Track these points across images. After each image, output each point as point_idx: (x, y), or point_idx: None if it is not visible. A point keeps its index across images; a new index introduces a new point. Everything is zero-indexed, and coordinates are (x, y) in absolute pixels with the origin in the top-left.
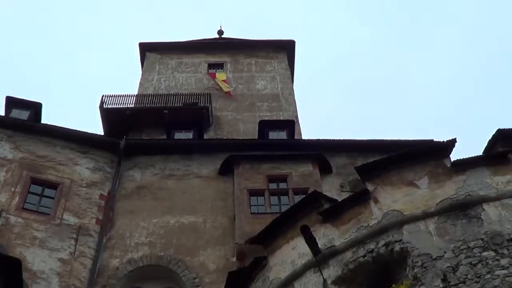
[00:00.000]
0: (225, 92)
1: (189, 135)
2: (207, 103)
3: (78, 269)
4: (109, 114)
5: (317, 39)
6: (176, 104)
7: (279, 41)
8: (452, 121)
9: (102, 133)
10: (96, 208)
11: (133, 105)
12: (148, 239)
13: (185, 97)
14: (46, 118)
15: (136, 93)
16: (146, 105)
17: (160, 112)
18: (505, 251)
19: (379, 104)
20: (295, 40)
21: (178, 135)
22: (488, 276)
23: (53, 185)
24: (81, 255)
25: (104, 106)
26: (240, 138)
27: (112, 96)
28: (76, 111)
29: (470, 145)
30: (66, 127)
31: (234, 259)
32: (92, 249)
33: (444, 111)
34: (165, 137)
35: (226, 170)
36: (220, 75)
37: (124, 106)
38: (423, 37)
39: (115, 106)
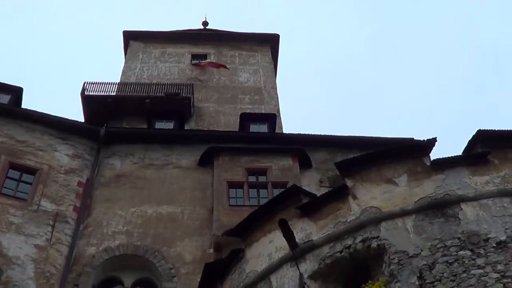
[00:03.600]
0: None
1: (170, 125)
2: (189, 94)
3: (54, 256)
4: (90, 101)
5: (303, 34)
6: (158, 94)
7: (263, 34)
8: (433, 121)
9: (83, 120)
10: (74, 195)
11: (115, 93)
12: (125, 228)
13: (167, 87)
14: (27, 103)
15: (118, 81)
16: (128, 93)
17: (142, 101)
18: (482, 251)
19: (361, 101)
20: (279, 34)
21: (159, 125)
22: (464, 275)
23: (31, 171)
24: (58, 242)
25: (86, 93)
26: (221, 130)
27: (93, 83)
28: (58, 97)
29: (450, 145)
30: (47, 112)
31: (211, 250)
32: (68, 236)
33: (426, 111)
34: (145, 126)
35: (206, 162)
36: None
37: (105, 93)
38: (408, 36)
39: (96, 93)
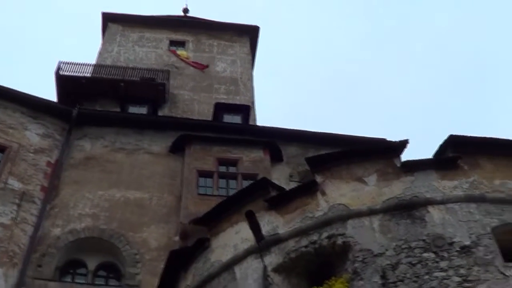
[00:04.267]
0: (192, 64)
1: (143, 110)
2: (165, 80)
3: (18, 235)
4: (64, 81)
5: (283, 27)
6: (133, 78)
7: (243, 25)
8: (406, 124)
9: (56, 100)
10: (42, 175)
11: (90, 75)
12: (92, 211)
13: (143, 72)
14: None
15: (94, 62)
16: (103, 75)
17: (116, 84)
18: (445, 254)
19: (337, 98)
20: (259, 26)
21: (132, 109)
22: (427, 277)
23: (1, 148)
24: (23, 221)
25: (60, 73)
26: (195, 118)
27: (69, 64)
28: (31, 75)
29: (422, 148)
30: (20, 90)
31: (177, 238)
32: (34, 216)
33: (400, 113)
34: (119, 109)
35: (177, 149)
36: (181, 54)
37: (80, 74)
38: (389, 38)
39: (71, 73)
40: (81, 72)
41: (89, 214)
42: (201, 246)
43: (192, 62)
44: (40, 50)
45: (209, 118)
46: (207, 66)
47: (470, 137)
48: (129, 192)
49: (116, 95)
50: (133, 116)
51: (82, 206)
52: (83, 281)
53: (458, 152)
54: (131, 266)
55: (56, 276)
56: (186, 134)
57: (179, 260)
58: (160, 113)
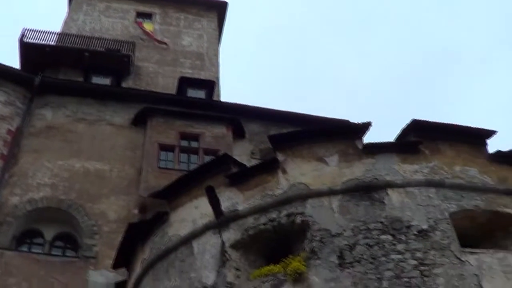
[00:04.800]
0: (154, 39)
1: (107, 81)
2: (130, 52)
3: None
4: (28, 49)
5: (251, 5)
6: (98, 48)
7: (211, 0)
8: (370, 107)
9: (19, 67)
10: (2, 143)
11: (54, 43)
12: (51, 180)
13: (108, 42)
14: None
15: (59, 31)
16: (68, 45)
17: (81, 54)
18: (403, 237)
19: (303, 78)
20: (228, 2)
21: (96, 80)
22: (383, 259)
23: None
24: None
25: (24, 40)
26: (159, 91)
27: (33, 31)
28: None
29: (385, 132)
30: None
31: (136, 211)
32: None
33: (364, 96)
34: (82, 79)
35: (139, 121)
36: (148, 26)
37: (45, 42)
38: (355, 21)
39: (36, 41)
40: (45, 40)
41: (48, 184)
42: (160, 219)
43: (154, 37)
44: (4, 16)
45: (173, 92)
46: (165, 44)
47: (433, 122)
48: (89, 163)
49: (80, 64)
50: (96, 87)
51: (41, 175)
52: (40, 251)
53: (420, 136)
54: (89, 237)
55: (12, 245)
56: (149, 107)
57: (137, 233)
58: (123, 85)
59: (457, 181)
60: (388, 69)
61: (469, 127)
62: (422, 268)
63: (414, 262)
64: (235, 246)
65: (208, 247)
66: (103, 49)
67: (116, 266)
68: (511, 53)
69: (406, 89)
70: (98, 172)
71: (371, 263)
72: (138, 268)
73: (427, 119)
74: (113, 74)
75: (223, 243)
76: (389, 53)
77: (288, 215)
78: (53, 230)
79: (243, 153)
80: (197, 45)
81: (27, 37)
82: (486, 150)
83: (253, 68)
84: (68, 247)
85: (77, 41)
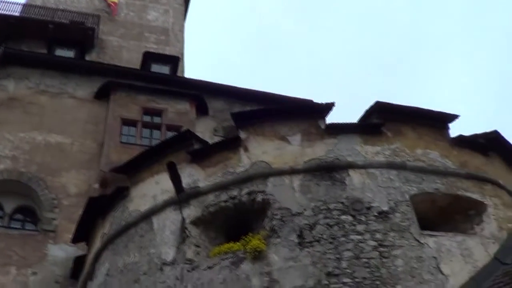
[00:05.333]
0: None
1: (70, 53)
2: (95, 25)
3: None
4: None
5: None
6: (63, 20)
7: None
8: (334, 88)
9: None
10: None
11: (18, 14)
12: (11, 153)
13: (73, 15)
14: None
15: (24, 1)
16: (32, 16)
17: (45, 26)
18: (363, 218)
19: (269, 56)
20: None
21: (60, 52)
22: (343, 239)
23: None
24: None
25: None
26: (123, 65)
27: None
28: None
29: (348, 113)
30: None
31: (97, 185)
32: None
33: (329, 77)
34: (45, 51)
35: (102, 95)
36: None
37: (9, 13)
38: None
39: None
40: (9, 11)
41: (8, 156)
42: (120, 194)
43: (114, 9)
44: None
45: (138, 66)
46: (114, 14)
47: (396, 105)
48: (51, 136)
49: (44, 36)
50: (59, 59)
51: (1, 147)
52: None
53: (383, 118)
54: (48, 211)
55: None
56: (112, 81)
57: (97, 208)
58: (87, 58)
59: (418, 164)
60: (354, 52)
61: (431, 110)
62: (381, 249)
63: (374, 243)
64: (195, 222)
65: (168, 223)
66: (68, 22)
67: (75, 240)
68: (474, 38)
69: (371, 72)
70: (59, 146)
71: (330, 243)
72: (97, 243)
73: (390, 102)
74: (77, 47)
75: (183, 219)
76: (354, 37)
77: (249, 193)
78: (13, 203)
79: (206, 130)
80: (163, 20)
81: None
82: (448, 134)
83: (218, 45)
84: (28, 220)
85: (42, 12)
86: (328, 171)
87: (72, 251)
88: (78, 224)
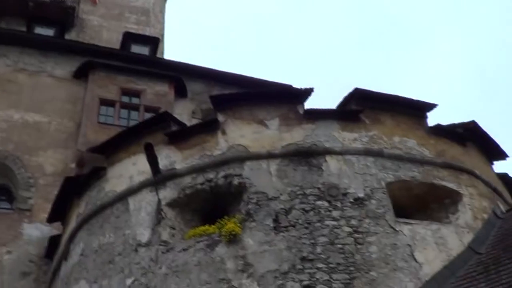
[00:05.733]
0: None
1: (50, 32)
2: (75, 4)
3: None
4: None
5: None
6: None
7: None
8: (314, 74)
9: None
10: None
11: None
12: None
13: None
14: None
15: None
16: None
17: (25, 3)
18: (338, 204)
19: (249, 40)
20: None
21: (39, 30)
22: (318, 224)
23: None
24: None
25: None
26: (102, 45)
27: None
28: None
29: (328, 99)
30: None
31: (74, 165)
32: None
33: (308, 62)
34: (25, 29)
35: (81, 75)
36: None
37: None
38: None
39: None
40: None
41: None
42: (97, 174)
43: None
44: None
45: (117, 47)
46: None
47: (375, 92)
48: (28, 114)
49: (23, 14)
50: (39, 37)
51: None
52: None
53: (361, 105)
54: (25, 189)
55: None
56: (91, 61)
57: (73, 187)
58: (67, 37)
59: (395, 152)
60: (334, 39)
61: (410, 99)
62: (356, 235)
63: (349, 229)
64: (171, 204)
65: (144, 205)
66: (48, 0)
67: (51, 219)
68: (456, 28)
69: (351, 59)
70: (36, 124)
71: (305, 228)
72: (73, 223)
73: (369, 89)
74: (56, 25)
75: (159, 201)
76: (335, 23)
77: (226, 176)
78: None
79: (184, 112)
80: (143, 0)
81: None
82: (426, 123)
83: (199, 27)
84: (3, 199)
85: None
86: (305, 156)
87: (47, 230)
88: (53, 204)
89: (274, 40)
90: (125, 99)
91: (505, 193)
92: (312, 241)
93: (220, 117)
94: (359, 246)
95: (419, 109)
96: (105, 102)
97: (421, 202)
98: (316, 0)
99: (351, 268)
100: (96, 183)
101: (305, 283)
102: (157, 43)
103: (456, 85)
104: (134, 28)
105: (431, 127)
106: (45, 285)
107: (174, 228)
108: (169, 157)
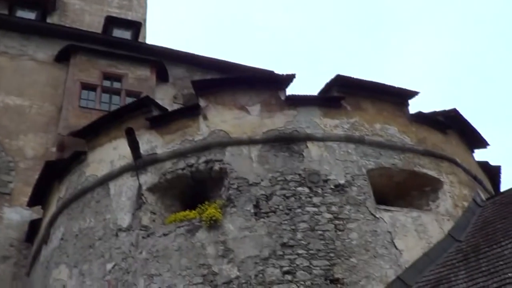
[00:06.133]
0: None
1: (32, 15)
2: None
3: None
4: None
5: None
6: None
7: None
8: (296, 60)
9: None
10: None
11: None
12: None
13: None
14: None
15: None
16: None
17: None
18: (319, 191)
19: (229, 26)
20: None
21: (21, 14)
22: (299, 210)
23: None
24: None
25: None
26: (84, 29)
27: None
28: None
29: (310, 86)
30: None
31: (54, 149)
32: None
33: (291, 49)
34: (6, 12)
35: (62, 59)
36: None
37: None
38: None
39: None
40: None
41: None
42: (77, 159)
43: None
44: None
45: (99, 31)
46: None
47: (357, 79)
48: (9, 98)
49: None
50: (20, 20)
51: None
52: None
53: (343, 92)
54: (5, 173)
55: None
56: (73, 44)
57: (54, 172)
58: (49, 21)
59: (377, 139)
60: (316, 25)
61: (392, 86)
62: (337, 222)
63: (329, 215)
64: (152, 189)
65: (124, 189)
66: None
67: (31, 203)
68: (439, 14)
69: (333, 46)
70: (17, 108)
71: (286, 214)
72: (53, 207)
73: (351, 76)
74: (38, 8)
75: (140, 186)
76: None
77: (207, 162)
78: None
79: (165, 97)
80: None
81: None
82: (407, 111)
83: (181, 12)
84: None
85: None
86: (287, 142)
87: (27, 214)
88: (34, 188)
89: (257, 26)
90: (107, 83)
91: (486, 181)
92: (293, 227)
93: (202, 102)
94: (339, 233)
95: (401, 96)
96: (87, 86)
97: (401, 190)
98: None
99: (331, 255)
100: (76, 167)
101: (285, 269)
102: (139, 27)
103: (439, 73)
104: (116, 12)
105: (412, 115)
106: (25, 269)
107: (154, 213)
108: (150, 142)
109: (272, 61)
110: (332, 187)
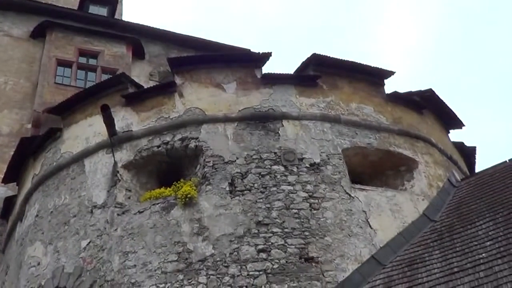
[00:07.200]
0: None
1: None
2: None
3: None
4: None
5: None
6: None
7: None
8: (273, 39)
9: None
10: None
11: None
12: None
13: None
14: None
15: None
16: None
17: None
18: (295, 169)
19: (209, 5)
20: None
21: None
22: (274, 189)
23: None
24: None
25: None
26: (60, 5)
27: None
28: None
29: (287, 65)
30: None
31: (30, 126)
32: None
33: (268, 28)
34: None
35: (38, 35)
36: None
37: None
38: None
39: None
40: None
41: None
42: (53, 135)
43: None
44: None
45: (75, 7)
46: None
47: (333, 58)
48: None
49: None
50: None
51: None
52: None
53: (319, 71)
54: None
55: None
56: (49, 21)
57: (29, 148)
58: None
59: (352, 118)
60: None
61: (368, 65)
62: (312, 201)
63: (305, 194)
64: (127, 167)
65: (100, 167)
66: None
67: (6, 180)
68: None
69: (310, 24)
70: None
71: (261, 192)
72: (28, 184)
73: (327, 54)
74: None
75: (115, 163)
76: None
77: (182, 139)
78: None
79: (141, 74)
80: None
81: None
82: (383, 90)
83: None
84: None
85: None
86: (262, 120)
87: (2, 191)
88: (9, 164)
89: (234, 5)
90: (82, 60)
91: (461, 162)
92: (268, 205)
93: (178, 80)
94: (314, 212)
95: (377, 76)
96: (62, 63)
97: (376, 169)
98: None
99: (306, 233)
100: (52, 144)
101: (260, 247)
102: (115, 4)
103: (416, 52)
104: None
105: (388, 94)
106: (0, 246)
107: (130, 190)
108: (126, 119)
109: (250, 40)
110: (308, 166)
